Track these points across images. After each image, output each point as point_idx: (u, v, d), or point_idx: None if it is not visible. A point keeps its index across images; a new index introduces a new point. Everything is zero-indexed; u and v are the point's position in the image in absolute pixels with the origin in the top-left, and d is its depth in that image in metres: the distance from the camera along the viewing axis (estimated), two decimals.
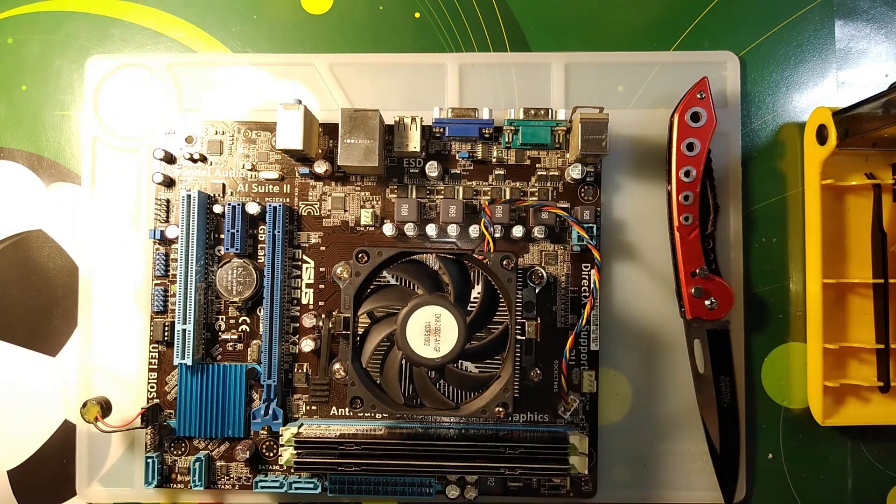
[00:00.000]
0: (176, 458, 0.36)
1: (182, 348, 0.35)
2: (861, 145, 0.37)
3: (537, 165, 0.37)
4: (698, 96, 0.35)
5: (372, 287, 0.34)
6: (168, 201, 0.37)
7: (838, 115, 0.35)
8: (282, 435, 0.34)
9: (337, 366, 0.36)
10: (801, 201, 0.38)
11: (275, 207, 0.36)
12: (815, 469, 0.38)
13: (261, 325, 0.36)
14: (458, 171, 0.37)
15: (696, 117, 0.35)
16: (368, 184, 0.37)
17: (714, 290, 0.35)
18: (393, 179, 0.37)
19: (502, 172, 0.37)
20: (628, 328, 0.38)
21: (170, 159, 0.37)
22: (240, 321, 0.37)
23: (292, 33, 0.39)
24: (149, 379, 0.37)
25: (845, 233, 0.38)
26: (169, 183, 0.37)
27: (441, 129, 0.36)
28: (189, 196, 0.35)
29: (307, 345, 0.36)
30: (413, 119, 0.35)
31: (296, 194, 0.37)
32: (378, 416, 0.36)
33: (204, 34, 0.39)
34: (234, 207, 0.36)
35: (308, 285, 0.37)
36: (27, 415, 0.38)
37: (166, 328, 0.36)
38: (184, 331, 0.35)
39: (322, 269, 0.37)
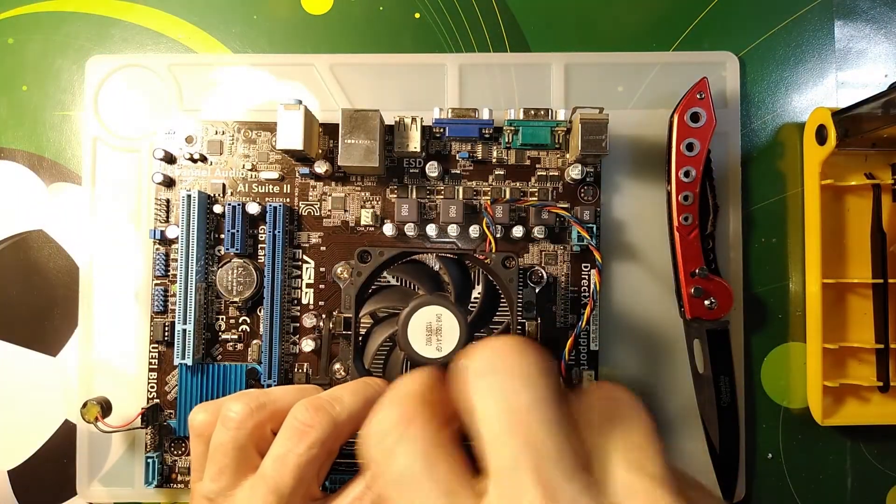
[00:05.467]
0: (176, 458, 0.36)
1: (182, 348, 0.35)
2: (860, 145, 0.37)
3: (537, 166, 0.37)
4: (698, 96, 0.35)
5: (373, 287, 0.34)
6: (168, 201, 0.37)
7: (838, 115, 0.35)
8: None
9: (337, 366, 0.36)
10: (801, 201, 0.38)
11: (275, 207, 0.36)
12: (814, 469, 0.38)
13: (261, 325, 0.36)
14: (459, 172, 0.37)
15: (695, 117, 0.35)
16: (369, 184, 0.37)
17: (714, 290, 0.35)
18: (393, 179, 0.37)
19: (502, 172, 0.37)
20: (628, 328, 0.38)
21: (170, 159, 0.37)
22: (240, 321, 0.37)
23: (292, 34, 0.39)
24: (149, 379, 0.37)
25: (845, 233, 0.38)
26: (169, 183, 0.37)
27: (441, 130, 0.36)
28: (189, 196, 0.35)
29: (307, 345, 0.36)
30: (413, 119, 0.35)
31: (296, 194, 0.37)
32: None
33: (204, 35, 0.39)
34: (234, 207, 0.36)
35: (308, 285, 0.37)
36: (27, 415, 0.38)
37: (166, 328, 0.36)
38: (184, 331, 0.35)
39: (322, 269, 0.37)
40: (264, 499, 0.24)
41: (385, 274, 0.35)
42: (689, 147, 0.35)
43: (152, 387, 0.37)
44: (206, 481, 0.27)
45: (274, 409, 0.27)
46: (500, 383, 0.17)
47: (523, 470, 0.16)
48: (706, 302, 0.35)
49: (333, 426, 0.25)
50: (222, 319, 0.37)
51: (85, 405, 0.35)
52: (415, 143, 0.35)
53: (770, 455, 0.38)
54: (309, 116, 0.34)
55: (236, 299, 0.36)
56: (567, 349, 0.35)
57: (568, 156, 0.37)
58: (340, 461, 0.31)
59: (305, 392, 0.29)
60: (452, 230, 0.36)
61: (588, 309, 0.35)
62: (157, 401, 0.37)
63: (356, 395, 0.27)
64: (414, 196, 0.37)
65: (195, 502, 0.27)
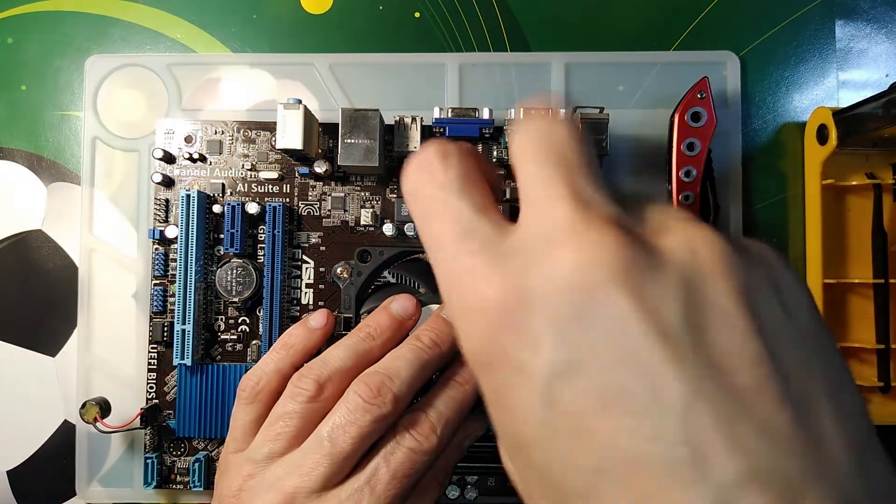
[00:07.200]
0: (175, 458, 0.36)
1: (181, 349, 0.35)
2: (862, 145, 0.37)
3: None
4: (699, 96, 0.35)
5: (373, 287, 0.34)
6: (167, 201, 0.37)
7: (839, 115, 0.35)
8: None
9: None
10: (802, 201, 0.38)
11: (274, 207, 0.36)
12: None
13: (260, 326, 0.36)
14: None
15: (696, 117, 0.35)
16: (368, 184, 0.37)
17: None
18: (393, 179, 0.37)
19: (502, 172, 0.37)
20: None
21: (169, 159, 0.37)
22: (239, 321, 0.37)
23: (292, 33, 0.39)
24: (148, 379, 0.37)
25: (846, 233, 0.37)
26: (168, 183, 0.37)
27: (441, 129, 0.36)
28: (188, 196, 0.35)
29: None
30: (413, 119, 0.35)
31: (295, 194, 0.37)
32: None
33: (204, 34, 0.39)
34: (233, 207, 0.36)
35: (308, 285, 0.37)
36: (26, 415, 0.38)
37: (165, 328, 0.36)
38: (183, 331, 0.35)
39: (322, 269, 0.37)
40: (317, 462, 0.25)
41: (385, 273, 0.35)
42: (690, 147, 0.35)
43: (151, 387, 0.37)
44: (259, 443, 0.27)
45: (340, 381, 0.28)
46: (539, 123, 0.18)
47: (555, 181, 0.17)
48: None
49: (395, 403, 0.26)
50: (221, 320, 0.37)
51: (84, 405, 0.35)
52: (415, 143, 0.35)
53: None
54: (308, 116, 0.34)
55: (235, 299, 0.36)
56: None
57: None
58: None
59: (359, 353, 0.29)
60: None
61: None
62: (157, 401, 0.36)
63: (412, 367, 0.27)
64: None
65: (237, 467, 0.28)
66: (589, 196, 0.16)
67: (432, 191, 0.19)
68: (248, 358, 0.36)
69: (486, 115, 0.36)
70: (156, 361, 0.37)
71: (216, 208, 0.36)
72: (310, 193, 0.37)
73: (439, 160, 0.19)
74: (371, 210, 0.37)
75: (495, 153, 0.37)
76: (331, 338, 0.36)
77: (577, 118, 0.23)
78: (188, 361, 0.35)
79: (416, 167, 0.20)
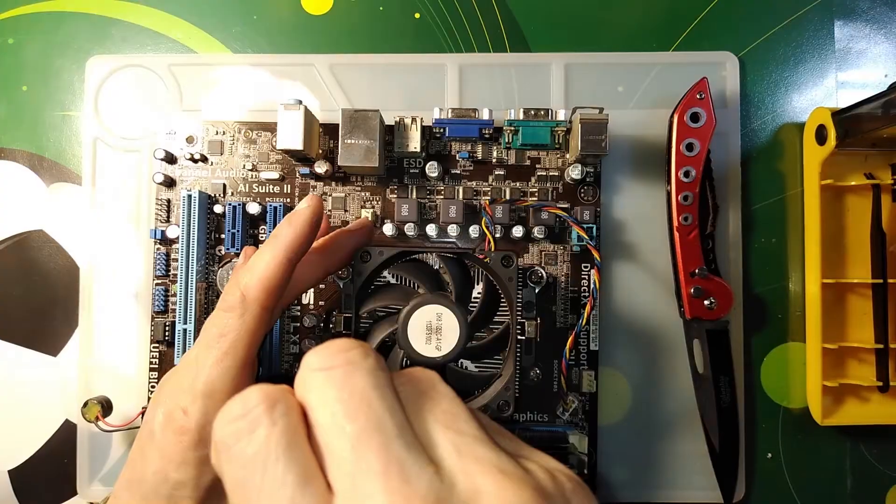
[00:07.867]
0: None
1: (183, 348, 0.35)
2: (860, 145, 0.37)
3: (537, 166, 0.37)
4: (698, 97, 0.35)
5: (373, 287, 0.34)
6: (169, 201, 0.37)
7: (838, 115, 0.35)
8: None
9: None
10: (801, 201, 0.38)
11: (275, 207, 0.36)
12: (814, 469, 0.38)
13: None
14: (459, 172, 0.37)
15: (695, 118, 0.35)
16: (369, 184, 0.37)
17: (713, 290, 0.35)
18: (393, 180, 0.37)
19: (502, 173, 0.37)
20: (628, 328, 0.38)
21: (170, 159, 0.37)
22: None
23: (292, 34, 0.39)
24: (149, 378, 0.37)
25: (845, 233, 0.38)
26: (170, 183, 0.37)
27: (441, 130, 0.36)
28: (190, 196, 0.35)
29: (308, 345, 0.36)
30: (413, 119, 0.35)
31: (296, 194, 0.37)
32: None
33: (204, 35, 0.39)
34: (234, 207, 0.36)
35: None
36: (28, 414, 0.38)
37: (167, 328, 0.36)
38: (184, 330, 0.35)
39: None
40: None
41: (385, 273, 0.35)
42: (689, 147, 0.35)
43: (153, 386, 0.37)
44: None
45: None
46: (337, 372, 0.18)
47: (369, 450, 0.16)
48: (706, 302, 0.35)
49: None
50: None
51: (86, 404, 0.35)
52: (415, 144, 0.35)
53: (770, 455, 0.38)
54: (309, 116, 0.34)
55: None
56: (567, 349, 0.35)
57: (568, 156, 0.37)
58: None
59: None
60: (452, 230, 0.36)
61: (588, 307, 0.35)
62: None
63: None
64: (414, 196, 0.37)
65: None
66: (404, 462, 0.16)
67: (253, 451, 0.17)
68: None
69: (485, 115, 0.36)
70: (157, 361, 0.37)
71: (217, 208, 0.36)
72: (310, 194, 0.37)
73: (266, 410, 0.17)
74: (371, 210, 0.37)
75: (495, 153, 0.37)
76: (331, 335, 0.36)
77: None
78: None
79: (234, 416, 0.17)
